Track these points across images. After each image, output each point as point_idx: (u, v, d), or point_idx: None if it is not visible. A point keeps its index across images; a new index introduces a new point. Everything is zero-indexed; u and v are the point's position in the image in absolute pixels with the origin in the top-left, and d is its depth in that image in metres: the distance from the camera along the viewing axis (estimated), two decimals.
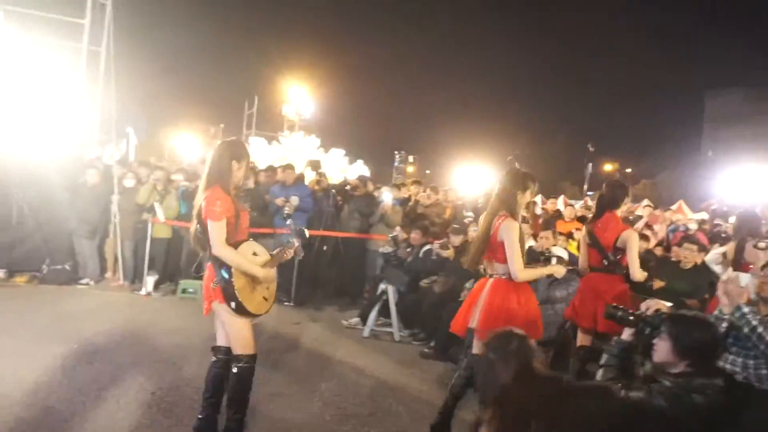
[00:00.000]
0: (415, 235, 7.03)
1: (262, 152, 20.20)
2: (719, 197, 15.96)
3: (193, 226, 3.22)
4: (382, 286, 6.40)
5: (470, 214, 8.41)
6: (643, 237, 7.34)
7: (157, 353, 4.99)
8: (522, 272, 3.49)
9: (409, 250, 6.89)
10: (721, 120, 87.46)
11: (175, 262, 7.78)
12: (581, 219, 10.73)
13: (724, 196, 18.76)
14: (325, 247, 7.85)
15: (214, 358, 3.35)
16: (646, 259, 6.63)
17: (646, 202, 23.12)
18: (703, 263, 6.08)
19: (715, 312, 3.39)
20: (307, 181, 8.77)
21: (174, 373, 4.51)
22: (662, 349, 2.61)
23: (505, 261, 3.52)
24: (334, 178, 16.11)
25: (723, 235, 9.14)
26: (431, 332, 5.78)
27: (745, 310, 3.18)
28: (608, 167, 47.03)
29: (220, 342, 3.36)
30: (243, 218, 3.19)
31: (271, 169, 8.34)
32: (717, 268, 5.91)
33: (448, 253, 6.18)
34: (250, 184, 8.02)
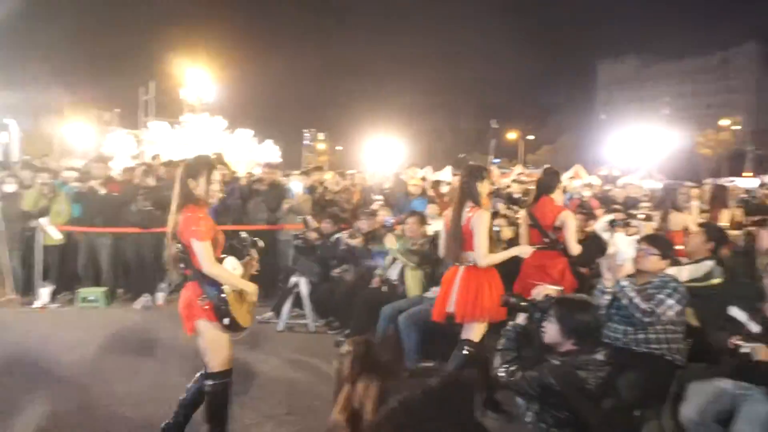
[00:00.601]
0: (326, 224, 7.03)
1: (164, 138, 19.20)
2: (609, 163, 17.16)
3: (173, 247, 3.22)
4: (293, 279, 6.39)
5: (379, 197, 8.50)
6: None
7: (57, 372, 4.72)
8: (485, 258, 3.89)
9: (319, 239, 6.89)
10: (614, 85, 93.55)
11: (71, 269, 7.32)
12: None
13: (615, 160, 20.28)
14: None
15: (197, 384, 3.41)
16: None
17: (546, 167, 24.53)
18: (593, 231, 6.55)
19: (599, 286, 3.70)
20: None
21: (79, 394, 4.29)
22: (551, 331, 2.84)
23: (473, 249, 3.91)
24: (241, 161, 15.68)
25: (613, 202, 9.88)
26: (345, 320, 5.86)
27: (624, 283, 3.51)
28: (512, 135, 48.96)
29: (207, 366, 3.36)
30: (219, 234, 3.28)
31: (172, 164, 7.98)
32: (605, 236, 6.39)
33: (357, 241, 6.26)
34: (151, 181, 7.66)
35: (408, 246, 5.69)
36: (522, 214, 5.05)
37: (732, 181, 22.80)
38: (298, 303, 6.33)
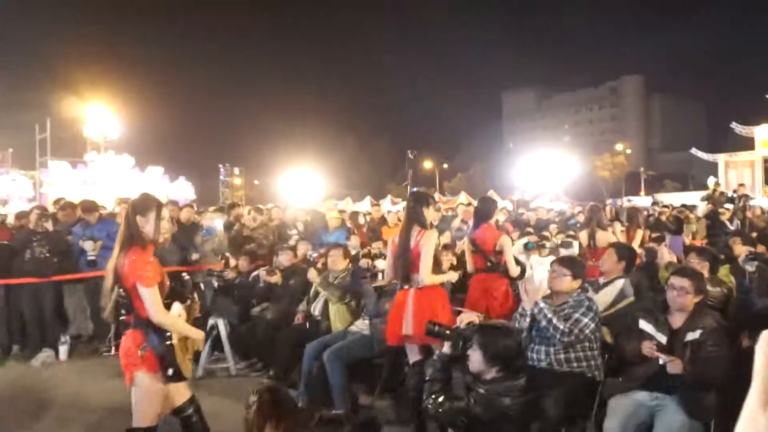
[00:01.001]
0: (243, 262, 6.78)
1: (65, 178, 17.97)
2: (521, 188, 18.00)
3: (113, 292, 3.02)
4: (211, 320, 6.06)
5: (294, 231, 8.33)
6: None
7: None
8: (429, 277, 4.05)
9: (237, 277, 6.62)
10: (517, 115, 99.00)
11: None
12: None
13: (526, 185, 21.27)
14: None
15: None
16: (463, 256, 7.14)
17: (462, 195, 25.32)
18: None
19: (519, 309, 3.76)
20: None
21: None
22: (475, 358, 2.82)
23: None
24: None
25: (526, 225, 10.28)
26: (269, 361, 5.61)
27: (541, 305, 3.57)
28: (428, 164, 50.30)
29: (137, 422, 3.09)
30: (164, 278, 3.12)
31: (69, 206, 7.42)
32: (522, 258, 6.59)
33: (275, 278, 6.05)
34: (50, 226, 7.06)
35: (331, 280, 5.57)
36: (465, 241, 5.34)
37: (630, 200, 24.51)
38: (217, 346, 5.99)
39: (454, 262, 6.14)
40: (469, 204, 14.39)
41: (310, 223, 8.91)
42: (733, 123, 23.99)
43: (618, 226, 7.70)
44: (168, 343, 2.99)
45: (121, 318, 3.07)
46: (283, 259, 6.36)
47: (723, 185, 17.09)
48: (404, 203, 21.59)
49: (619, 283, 4.52)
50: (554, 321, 3.49)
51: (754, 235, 6.94)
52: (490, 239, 4.97)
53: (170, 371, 3.01)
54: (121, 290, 3.00)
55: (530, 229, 9.10)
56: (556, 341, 3.53)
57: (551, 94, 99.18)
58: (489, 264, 4.92)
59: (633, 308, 4.08)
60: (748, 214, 11.03)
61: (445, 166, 61.05)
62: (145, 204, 3.12)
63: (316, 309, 5.56)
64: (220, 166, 64.45)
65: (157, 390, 3.06)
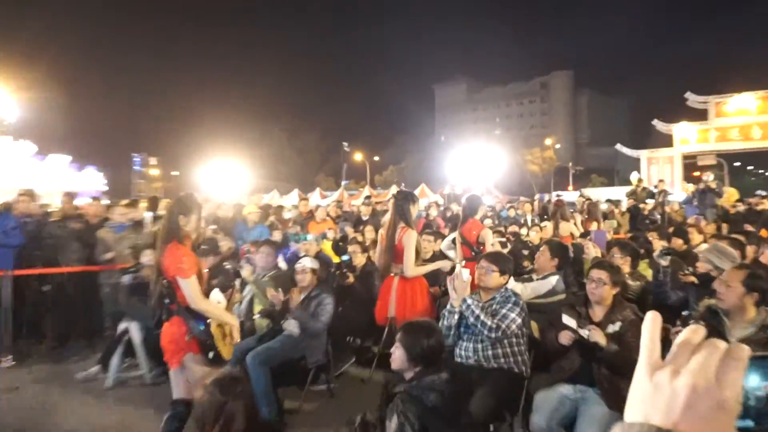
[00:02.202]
0: None
1: None
2: (452, 182, 18.36)
3: (158, 283, 3.40)
4: (123, 324, 5.78)
5: (213, 226, 8.09)
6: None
7: None
8: (411, 269, 4.79)
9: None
10: (449, 108, 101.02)
11: None
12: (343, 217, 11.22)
13: (456, 179, 21.71)
14: (44, 288, 6.77)
15: (171, 411, 3.50)
16: None
17: (394, 189, 25.50)
18: (440, 250, 6.87)
19: (448, 306, 3.84)
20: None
21: None
22: (397, 357, 2.87)
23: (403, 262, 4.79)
24: (56, 191, 14.01)
25: (456, 217, 10.48)
26: None
27: (469, 301, 3.67)
28: (358, 157, 50.36)
29: (183, 395, 3.48)
30: (202, 267, 3.53)
31: None
32: (450, 254, 6.73)
33: None
34: None
35: (260, 277, 5.47)
36: (456, 235, 6.04)
37: (559, 195, 25.58)
38: (129, 352, 5.73)
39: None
40: None
41: (231, 219, 8.69)
42: (655, 120, 25.48)
43: (578, 218, 8.80)
44: (207, 328, 3.40)
45: (165, 306, 3.42)
46: (206, 263, 6.16)
47: (645, 180, 18.21)
48: (334, 197, 21.36)
49: (552, 279, 4.73)
50: (482, 317, 3.60)
51: (671, 229, 7.42)
52: (475, 232, 5.73)
53: (211, 354, 3.39)
54: (164, 281, 3.37)
55: None
56: (484, 337, 3.64)
57: (482, 87, 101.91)
58: (474, 254, 5.52)
59: (560, 304, 4.28)
60: (667, 209, 11.82)
61: (377, 158, 61.29)
62: (189, 205, 3.47)
63: (240, 309, 5.44)
64: (135, 155, 61.59)
65: (203, 371, 3.35)
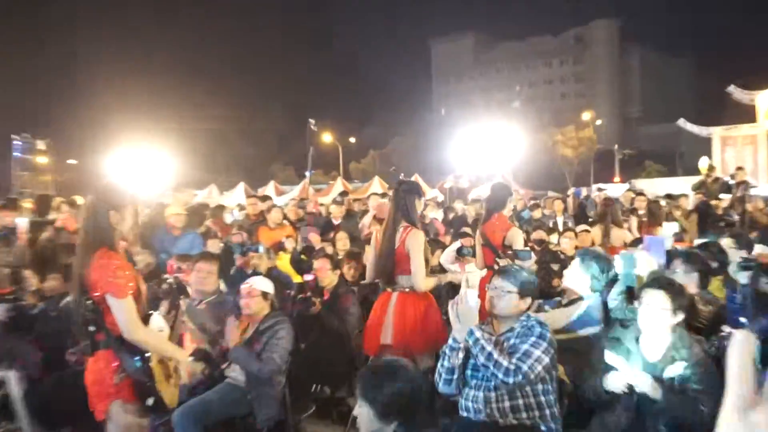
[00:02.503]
0: (53, 282, 6.48)
1: None
2: (455, 173, 18.49)
3: (79, 302, 3.43)
4: None
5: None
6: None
7: None
8: (422, 280, 4.89)
9: (38, 305, 6.32)
10: (450, 72, 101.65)
11: None
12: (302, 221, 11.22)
13: (462, 169, 21.82)
14: None
15: None
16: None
17: (376, 182, 25.60)
18: (439, 265, 6.91)
19: (449, 341, 3.84)
20: None
21: None
22: (363, 418, 2.91)
23: (409, 273, 4.91)
24: None
25: (462, 223, 10.53)
26: (87, 430, 5.37)
27: (477, 334, 3.67)
28: (327, 138, 50.43)
29: None
30: (141, 284, 3.61)
31: None
32: (454, 268, 6.77)
33: None
34: None
35: (193, 305, 5.45)
36: (477, 235, 6.34)
37: (601, 189, 25.75)
38: (6, 411, 5.68)
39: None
40: (386, 194, 14.49)
41: (149, 225, 8.66)
42: (732, 86, 25.82)
43: (635, 222, 9.15)
44: (145, 366, 3.45)
45: (91, 335, 3.45)
46: None
47: (719, 168, 18.44)
48: (294, 193, 21.37)
49: (583, 304, 4.74)
50: (495, 356, 3.59)
51: (754, 235, 7.52)
52: (500, 231, 5.97)
53: (150, 401, 3.46)
54: (88, 302, 3.39)
55: (467, 230, 9.33)
56: (498, 383, 3.64)
57: (495, 42, 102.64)
58: (497, 260, 5.78)
59: (599, 337, 4.29)
60: (748, 206, 11.94)
61: (353, 140, 61.43)
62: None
63: None
64: (16, 138, 60.93)
65: (135, 425, 3.49)
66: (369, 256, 5.49)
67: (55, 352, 5.93)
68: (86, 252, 3.43)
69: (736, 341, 0.69)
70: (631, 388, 3.47)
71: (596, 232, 8.43)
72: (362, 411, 2.90)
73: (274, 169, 61.56)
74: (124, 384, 3.43)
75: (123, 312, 3.37)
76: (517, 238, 5.95)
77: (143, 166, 19.33)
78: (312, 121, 34.20)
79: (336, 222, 10.74)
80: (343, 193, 17.10)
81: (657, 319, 3.62)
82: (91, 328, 3.44)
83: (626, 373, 3.52)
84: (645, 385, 3.39)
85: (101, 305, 3.39)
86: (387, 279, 5.04)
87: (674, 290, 3.70)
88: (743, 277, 4.59)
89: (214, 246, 7.55)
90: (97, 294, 3.37)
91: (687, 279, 4.86)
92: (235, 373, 4.97)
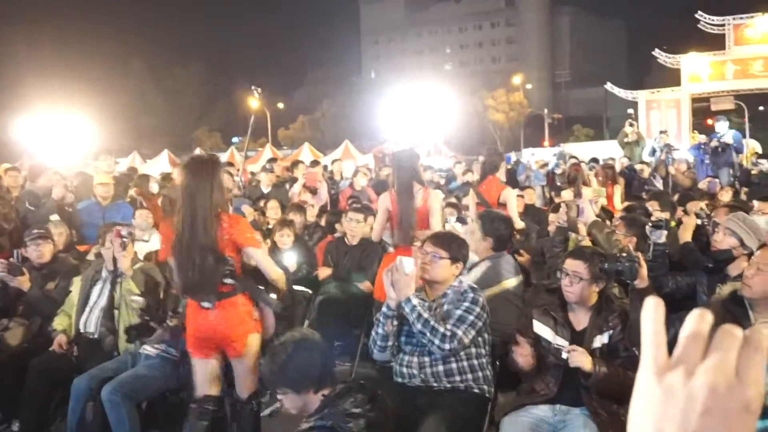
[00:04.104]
0: None
1: None
2: (387, 138, 18.49)
3: (218, 262, 4.00)
4: None
5: (32, 208, 7.78)
6: (299, 209, 8.04)
7: None
8: (375, 234, 5.94)
9: None
10: (380, 34, 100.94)
11: None
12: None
13: (393, 134, 21.84)
14: None
15: (201, 410, 4.16)
16: (300, 240, 7.30)
17: (306, 149, 25.40)
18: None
19: (383, 308, 3.91)
20: None
21: None
22: (287, 402, 3.11)
23: (428, 228, 5.58)
24: None
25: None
26: (10, 409, 5.28)
27: (415, 301, 3.73)
28: (254, 104, 49.63)
29: (214, 391, 4.27)
30: None
31: None
32: (386, 237, 6.83)
33: (23, 282, 5.65)
34: None
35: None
36: (471, 194, 7.34)
37: (533, 153, 26.22)
38: None
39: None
40: (317, 162, 14.40)
41: (77, 192, 8.44)
42: (657, 50, 26.48)
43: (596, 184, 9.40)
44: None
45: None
46: (38, 251, 5.96)
47: (644, 132, 18.97)
48: (221, 160, 21.12)
49: (477, 271, 4.93)
50: (431, 323, 3.67)
51: (676, 197, 7.81)
52: (495, 192, 6.93)
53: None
54: (228, 258, 4.02)
55: None
56: (434, 349, 3.73)
57: (428, 3, 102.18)
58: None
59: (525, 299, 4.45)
60: (671, 169, 12.40)
61: (281, 105, 60.66)
62: (218, 162, 4.36)
63: (91, 321, 5.32)
64: None
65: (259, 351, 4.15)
66: (379, 219, 6.05)
67: None
68: (212, 215, 3.97)
69: (648, 306, 0.75)
70: (561, 360, 3.62)
71: (568, 194, 8.62)
72: (282, 398, 3.10)
73: (198, 135, 60.34)
74: (258, 319, 4.19)
75: (264, 258, 4.26)
76: (510, 197, 6.96)
77: (60, 133, 18.64)
78: (254, 88, 33.54)
79: (265, 190, 10.68)
80: (272, 160, 16.91)
81: (577, 289, 3.75)
82: (229, 281, 4.03)
83: (555, 346, 3.66)
84: (578, 361, 3.51)
85: (235, 257, 4.09)
86: (408, 236, 5.63)
87: (594, 259, 3.81)
88: (656, 236, 4.80)
89: (144, 216, 7.42)
90: (232, 249, 4.06)
91: (626, 242, 5.07)
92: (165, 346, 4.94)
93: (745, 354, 0.67)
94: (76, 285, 5.47)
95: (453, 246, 4.05)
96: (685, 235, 5.23)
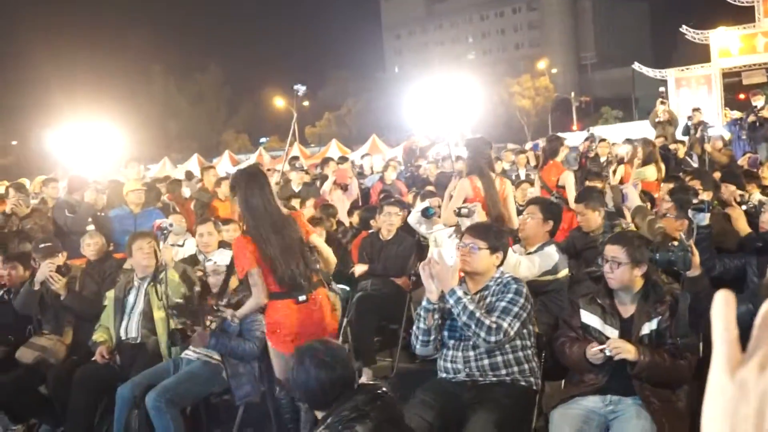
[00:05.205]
0: (13, 271, 6.26)
1: None
2: (413, 130, 18.40)
3: (304, 251, 4.44)
4: None
5: (70, 215, 7.86)
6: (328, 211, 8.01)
7: None
8: (446, 219, 6.05)
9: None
10: (402, 27, 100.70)
11: None
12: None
13: (420, 126, 21.65)
14: None
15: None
16: (334, 238, 7.29)
17: (334, 145, 25.44)
18: (407, 226, 6.92)
19: (423, 302, 3.85)
20: None
21: None
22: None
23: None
24: None
25: (425, 182, 10.52)
26: (54, 420, 5.33)
27: (459, 293, 3.66)
28: (280, 103, 49.88)
29: None
30: None
31: None
32: (422, 230, 6.78)
33: (60, 285, 5.66)
34: None
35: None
36: (536, 179, 8.21)
37: (557, 137, 25.89)
38: None
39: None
40: (344, 159, 14.38)
41: (109, 202, 8.51)
42: (684, 26, 26.07)
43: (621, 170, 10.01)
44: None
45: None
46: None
47: (675, 110, 18.67)
48: (250, 161, 21.09)
49: (550, 250, 4.84)
50: (477, 315, 3.60)
51: (717, 175, 7.65)
52: (555, 175, 7.60)
53: None
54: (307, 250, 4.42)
55: (431, 188, 9.34)
56: (480, 342, 3.67)
57: None
58: (553, 198, 6.93)
59: (569, 288, 4.38)
60: (707, 147, 12.16)
61: (307, 104, 60.79)
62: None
63: (132, 327, 5.34)
64: None
65: None
66: (451, 205, 5.97)
67: (12, 342, 5.83)
68: (288, 221, 4.36)
69: (717, 301, 0.69)
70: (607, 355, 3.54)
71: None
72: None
73: (227, 138, 60.75)
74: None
75: (325, 246, 4.74)
76: (568, 180, 7.41)
77: (90, 143, 18.88)
78: (300, 86, 33.72)
79: (297, 189, 10.68)
80: (296, 158, 16.95)
81: (619, 275, 3.68)
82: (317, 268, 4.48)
83: (601, 345, 3.58)
84: (623, 354, 3.45)
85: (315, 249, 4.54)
86: (500, 220, 5.68)
87: (633, 242, 3.75)
88: (699, 219, 4.67)
89: (178, 220, 7.44)
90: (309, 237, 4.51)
91: (678, 225, 4.98)
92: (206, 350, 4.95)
93: None
94: (110, 297, 5.50)
95: (491, 236, 3.99)
96: (742, 226, 5.09)
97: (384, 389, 3.02)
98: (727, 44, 25.18)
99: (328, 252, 4.68)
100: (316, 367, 2.91)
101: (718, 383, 0.65)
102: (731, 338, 0.67)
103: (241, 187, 4.36)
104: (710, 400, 0.66)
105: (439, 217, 6.45)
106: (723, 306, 0.68)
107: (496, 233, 4.09)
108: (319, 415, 2.96)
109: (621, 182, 8.94)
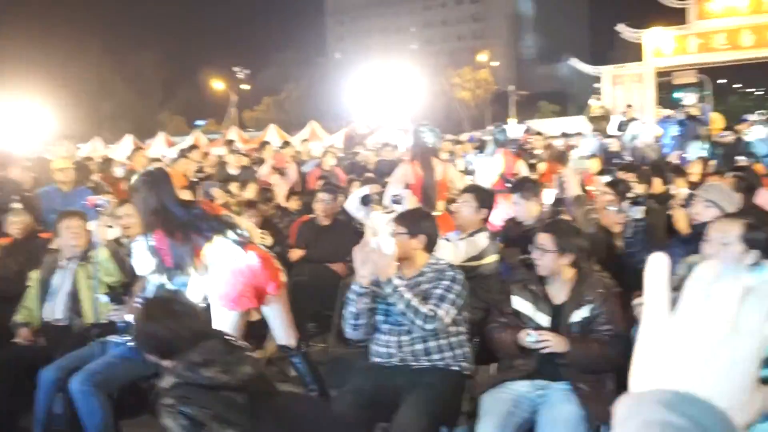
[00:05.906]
0: None
1: None
2: (353, 118, 18.41)
3: None
4: None
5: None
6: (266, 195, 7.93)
7: None
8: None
9: None
10: (345, 13, 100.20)
11: None
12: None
13: (360, 113, 21.72)
14: None
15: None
16: (272, 222, 7.22)
17: (273, 130, 25.18)
18: (345, 212, 6.92)
19: (353, 287, 3.83)
20: None
21: None
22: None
23: (444, 198, 6.31)
24: None
25: (363, 170, 10.53)
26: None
27: (397, 282, 3.67)
28: (218, 85, 49.13)
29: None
30: None
31: None
32: (359, 216, 6.78)
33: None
34: None
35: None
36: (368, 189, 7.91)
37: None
38: None
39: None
40: (287, 144, 14.22)
41: (37, 180, 8.23)
42: (620, 25, 26.58)
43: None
44: None
45: None
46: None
47: (610, 105, 19.12)
48: (186, 143, 20.89)
49: (481, 238, 4.92)
50: (413, 303, 3.63)
51: (647, 169, 7.87)
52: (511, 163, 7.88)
53: None
54: None
55: (370, 175, 9.37)
56: (413, 328, 3.69)
57: None
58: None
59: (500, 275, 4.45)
60: (638, 143, 12.52)
61: (246, 87, 59.97)
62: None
63: (58, 308, 5.21)
64: None
65: None
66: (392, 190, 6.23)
67: None
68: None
69: (652, 262, 0.72)
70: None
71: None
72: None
73: (162, 119, 59.52)
74: None
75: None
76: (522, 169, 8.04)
77: (18, 120, 18.28)
78: (238, 69, 33.14)
79: (233, 172, 10.56)
80: (231, 141, 16.74)
81: (545, 262, 3.75)
82: None
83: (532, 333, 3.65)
84: (553, 348, 3.55)
85: None
86: (431, 205, 5.94)
87: (563, 231, 3.84)
88: (635, 212, 4.80)
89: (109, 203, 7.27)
90: None
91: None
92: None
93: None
94: (34, 278, 5.36)
95: (408, 220, 4.05)
96: (683, 227, 5.25)
97: (239, 342, 3.08)
98: (660, 44, 25.84)
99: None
100: (166, 318, 2.96)
101: (655, 324, 0.68)
102: (662, 297, 0.69)
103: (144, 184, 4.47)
104: (644, 341, 0.69)
105: (379, 204, 6.46)
106: (657, 266, 0.73)
107: (415, 217, 4.13)
108: (168, 363, 2.90)
109: (542, 178, 8.95)
